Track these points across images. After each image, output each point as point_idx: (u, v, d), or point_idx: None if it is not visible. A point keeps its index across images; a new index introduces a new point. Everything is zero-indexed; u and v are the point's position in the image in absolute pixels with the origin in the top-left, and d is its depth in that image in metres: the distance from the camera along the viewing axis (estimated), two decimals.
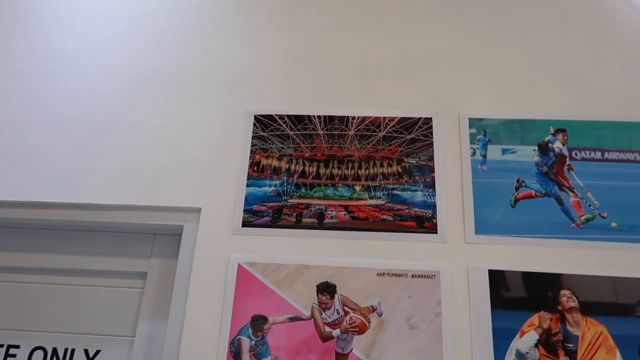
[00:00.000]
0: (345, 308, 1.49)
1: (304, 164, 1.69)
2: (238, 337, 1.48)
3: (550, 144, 1.63)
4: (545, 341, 1.39)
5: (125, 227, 1.71)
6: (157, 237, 1.72)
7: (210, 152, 1.73)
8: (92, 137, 1.78)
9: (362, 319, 1.47)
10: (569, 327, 1.41)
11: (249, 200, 1.65)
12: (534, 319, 1.42)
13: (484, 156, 1.64)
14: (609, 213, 1.53)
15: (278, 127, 1.75)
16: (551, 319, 1.41)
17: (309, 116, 1.75)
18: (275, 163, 1.70)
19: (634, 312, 1.41)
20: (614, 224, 1.51)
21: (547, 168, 1.60)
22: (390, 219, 1.59)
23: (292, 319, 1.49)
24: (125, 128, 1.79)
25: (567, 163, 1.61)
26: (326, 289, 1.51)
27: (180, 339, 1.50)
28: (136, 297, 1.66)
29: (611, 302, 1.43)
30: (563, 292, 1.44)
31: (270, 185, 1.67)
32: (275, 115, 1.76)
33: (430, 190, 1.61)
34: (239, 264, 1.56)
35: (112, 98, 1.85)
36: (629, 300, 1.42)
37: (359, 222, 1.60)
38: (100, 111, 1.83)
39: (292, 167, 1.69)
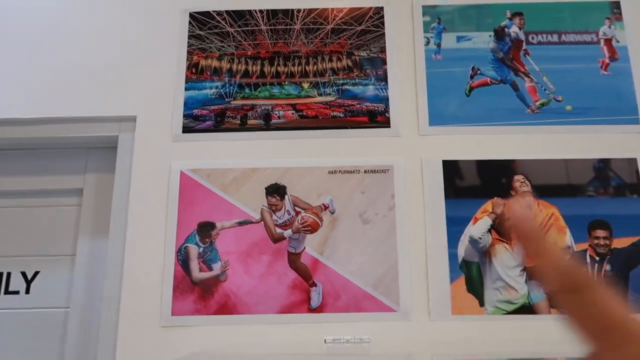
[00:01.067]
0: (297, 208, 1.43)
1: (246, 63, 1.56)
2: (185, 245, 1.41)
3: (506, 29, 1.54)
4: (499, 226, 1.38)
5: (55, 143, 1.56)
6: (90, 151, 1.58)
7: (143, 56, 1.57)
8: (9, 49, 1.59)
9: (314, 218, 1.41)
10: None
11: (188, 104, 1.52)
12: (488, 205, 1.40)
13: (438, 45, 1.54)
14: (564, 96, 1.48)
15: (216, 24, 1.59)
16: (504, 204, 1.39)
17: (249, 11, 1.59)
18: (215, 63, 1.56)
19: (584, 192, 1.40)
20: (568, 107, 1.47)
21: (503, 54, 1.52)
22: (341, 115, 1.50)
23: (241, 223, 1.43)
24: (46, 35, 1.60)
25: (523, 48, 1.53)
26: (275, 191, 1.44)
27: (123, 254, 1.41)
28: (73, 215, 1.55)
29: (563, 184, 1.41)
30: (516, 177, 1.41)
31: (211, 88, 1.54)
32: (213, 11, 1.60)
33: (383, 83, 1.52)
34: (181, 172, 1.46)
35: (30, 2, 1.63)
36: (580, 181, 1.41)
37: (308, 120, 1.50)
38: (17, 19, 1.62)
39: (234, 67, 1.56)
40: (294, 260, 1.39)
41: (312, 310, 1.35)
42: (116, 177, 1.50)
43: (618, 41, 1.51)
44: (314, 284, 1.37)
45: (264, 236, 1.41)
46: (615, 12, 1.54)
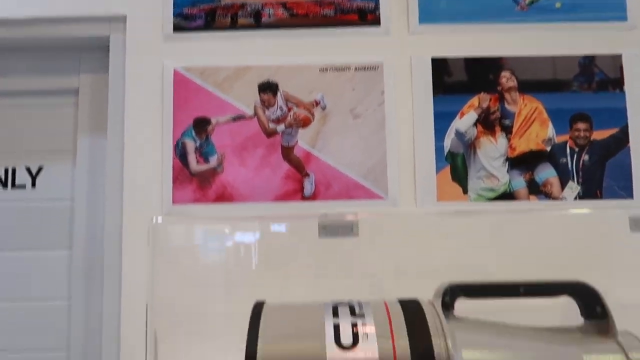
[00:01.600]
0: (289, 104, 1.47)
1: None
2: (182, 139, 1.45)
3: None
4: (484, 120, 1.43)
5: (47, 44, 1.57)
6: (83, 51, 1.59)
7: None
8: None
9: (306, 113, 1.46)
10: (506, 105, 1.44)
11: (178, 3, 1.51)
12: (474, 100, 1.44)
13: None
14: None
15: None
16: (490, 99, 1.44)
17: None
18: None
19: (569, 87, 1.45)
20: (557, 4, 1.48)
21: None
22: (332, 13, 1.51)
23: (235, 119, 1.47)
24: None
25: None
26: (268, 87, 1.47)
27: (122, 151, 1.46)
28: (71, 114, 1.58)
29: (548, 80, 1.45)
30: (503, 73, 1.45)
31: None
32: None
33: None
34: (174, 70, 1.48)
35: None
36: (565, 76, 1.45)
37: (298, 19, 1.51)
38: None
39: None
40: (287, 153, 1.45)
41: (305, 198, 1.43)
42: (110, 77, 1.51)
43: None
44: (307, 175, 1.43)
45: (258, 130, 1.46)
46: None
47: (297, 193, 1.43)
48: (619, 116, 1.42)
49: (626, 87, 1.43)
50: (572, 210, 1.38)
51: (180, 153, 1.45)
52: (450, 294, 0.89)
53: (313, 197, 1.42)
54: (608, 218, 1.37)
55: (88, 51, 1.59)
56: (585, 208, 1.38)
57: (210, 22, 1.51)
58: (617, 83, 1.44)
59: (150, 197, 1.44)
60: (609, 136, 1.41)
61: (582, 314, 0.91)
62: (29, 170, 1.57)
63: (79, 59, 1.59)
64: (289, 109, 1.46)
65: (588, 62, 1.45)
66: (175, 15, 1.51)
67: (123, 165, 1.46)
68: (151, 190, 1.44)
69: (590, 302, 0.89)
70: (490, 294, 0.91)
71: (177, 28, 1.50)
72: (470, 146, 1.43)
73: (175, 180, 1.43)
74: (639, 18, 1.46)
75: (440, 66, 1.46)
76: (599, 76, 1.44)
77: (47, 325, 1.52)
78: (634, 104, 1.42)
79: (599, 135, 1.42)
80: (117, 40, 1.53)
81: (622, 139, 1.41)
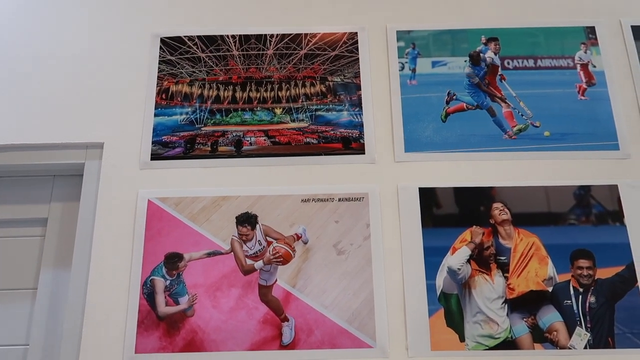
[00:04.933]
0: (268, 238, 1.37)
1: (218, 89, 1.52)
2: (151, 277, 1.33)
3: (482, 54, 1.52)
4: (478, 256, 1.32)
5: (20, 170, 1.50)
6: (56, 178, 1.52)
7: (112, 81, 1.53)
8: None
9: (286, 248, 1.35)
10: (501, 240, 1.34)
11: (157, 130, 1.47)
12: (466, 234, 1.35)
13: (413, 70, 1.52)
14: (542, 122, 1.45)
15: (187, 49, 1.56)
16: (483, 233, 1.34)
17: (222, 36, 1.57)
18: (186, 89, 1.52)
19: (565, 221, 1.36)
20: (546, 133, 1.44)
21: (479, 79, 1.50)
22: (315, 141, 1.46)
23: (210, 254, 1.36)
24: (13, 61, 1.56)
25: (499, 73, 1.51)
26: (246, 220, 1.38)
27: (86, 286, 1.34)
28: (37, 246, 1.47)
29: (543, 212, 1.37)
30: (495, 205, 1.37)
31: (181, 114, 1.49)
32: (184, 37, 1.57)
33: (357, 109, 1.48)
34: (148, 200, 1.40)
35: None
36: (561, 209, 1.37)
37: (280, 147, 1.46)
38: None
39: (205, 93, 1.52)
40: (265, 293, 1.32)
41: (283, 347, 1.28)
42: (81, 205, 1.43)
43: (594, 66, 1.50)
44: (286, 319, 1.30)
45: (234, 268, 1.34)
46: (590, 37, 1.53)
47: (275, 340, 1.28)
48: (623, 252, 1.32)
49: (626, 221, 1.34)
50: None
51: (148, 292, 1.32)
52: None
53: (293, 345, 1.27)
54: None
55: (61, 178, 1.52)
56: (597, 359, 1.23)
57: (189, 149, 1.46)
58: (617, 216, 1.35)
59: (111, 345, 1.28)
60: (614, 275, 1.30)
61: None
62: None
63: (52, 186, 1.52)
64: (268, 244, 1.36)
65: (584, 193, 1.38)
66: (154, 142, 1.46)
67: (85, 305, 1.33)
68: (113, 336, 1.29)
69: None
70: None
71: (155, 156, 1.45)
72: (465, 286, 1.31)
73: (140, 324, 1.29)
74: (632, 146, 1.42)
75: (428, 196, 1.38)
76: (596, 208, 1.37)
77: None
78: (637, 239, 1.33)
79: (603, 273, 1.31)
80: (92, 168, 1.46)
81: (629, 278, 1.29)
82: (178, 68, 1.54)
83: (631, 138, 1.42)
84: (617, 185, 1.38)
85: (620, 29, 1.54)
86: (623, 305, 1.28)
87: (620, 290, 1.29)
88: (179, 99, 1.51)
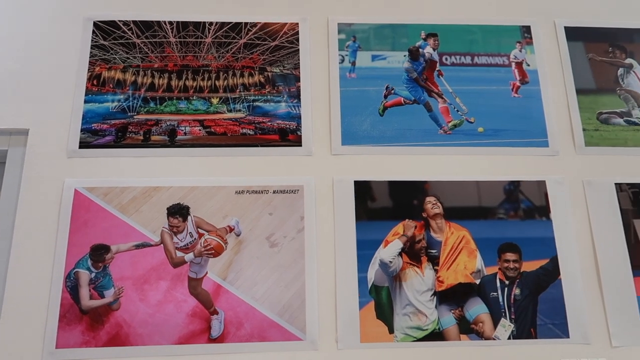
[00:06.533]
0: (200, 230, 1.34)
1: (153, 76, 1.47)
2: (75, 270, 1.28)
3: (421, 49, 1.53)
4: (409, 249, 1.34)
5: None
6: None
7: (40, 65, 1.45)
8: None
9: (218, 241, 1.33)
10: (432, 234, 1.36)
11: (87, 117, 1.41)
12: (399, 227, 1.36)
13: (353, 63, 1.51)
14: (476, 118, 1.47)
15: (122, 34, 1.50)
16: (415, 227, 1.35)
17: (159, 22, 1.52)
18: (119, 75, 1.47)
19: (495, 215, 1.39)
20: (480, 129, 1.47)
21: (417, 74, 1.51)
22: (251, 132, 1.44)
23: (138, 246, 1.32)
24: None
25: (437, 68, 1.52)
26: (178, 211, 1.35)
27: (5, 279, 1.28)
28: None
29: (474, 206, 1.39)
30: (428, 199, 1.39)
31: (113, 101, 1.44)
32: (119, 21, 1.51)
33: (295, 100, 1.47)
34: (75, 190, 1.34)
35: None
36: (491, 203, 1.40)
37: (216, 137, 1.43)
38: None
39: (140, 80, 1.47)
40: (194, 286, 1.29)
41: (212, 340, 1.25)
42: (2, 194, 1.37)
43: (529, 65, 1.54)
44: (216, 312, 1.27)
45: (163, 260, 1.31)
46: (525, 36, 1.57)
47: (203, 334, 1.25)
48: (548, 246, 1.36)
49: (552, 215, 1.39)
50: (505, 352, 1.27)
51: (72, 285, 1.27)
52: None
53: (221, 338, 1.25)
54: None
55: None
56: (520, 349, 1.27)
57: (120, 138, 1.41)
58: (544, 211, 1.39)
59: (30, 339, 1.23)
60: (539, 267, 1.34)
61: None
62: None
63: None
64: (200, 236, 1.34)
65: (513, 189, 1.41)
66: (83, 130, 1.40)
67: (3, 298, 1.27)
68: (33, 330, 1.23)
69: None
70: None
71: (83, 144, 1.39)
72: (396, 278, 1.32)
73: (62, 318, 1.24)
74: (560, 144, 1.46)
75: (363, 190, 1.38)
76: (525, 203, 1.40)
77: None
78: (562, 234, 1.37)
79: (528, 266, 1.34)
80: (15, 155, 1.40)
81: (552, 271, 1.34)
82: (111, 54, 1.48)
83: (560, 136, 1.47)
84: (545, 181, 1.42)
85: (554, 29, 1.58)
86: (546, 297, 1.32)
87: (544, 282, 1.33)
88: (111, 85, 1.45)
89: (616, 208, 1.40)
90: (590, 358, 1.26)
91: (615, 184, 1.42)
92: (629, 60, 1.56)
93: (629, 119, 1.51)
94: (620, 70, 1.56)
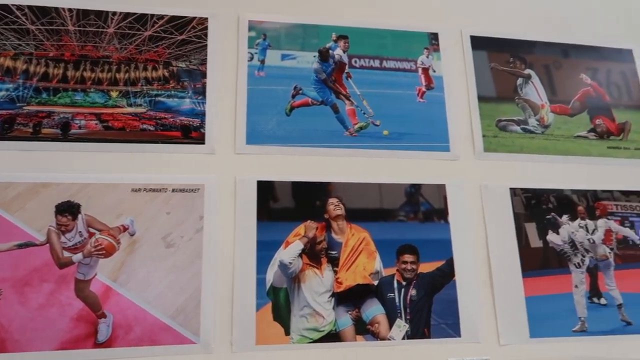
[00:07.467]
0: (91, 229, 1.27)
1: (47, 65, 1.39)
2: None
3: (331, 51, 1.54)
4: (310, 250, 1.33)
5: None
6: None
7: None
8: None
9: (110, 240, 1.27)
10: (333, 235, 1.37)
11: None
12: (300, 228, 1.35)
13: (262, 62, 1.50)
14: (382, 121, 1.50)
15: (15, 19, 1.40)
16: (317, 228, 1.35)
17: (57, 8, 1.43)
18: (9, 63, 1.37)
19: (395, 217, 1.42)
20: (385, 132, 1.49)
21: (326, 75, 1.51)
22: (152, 128, 1.39)
23: (21, 246, 1.24)
24: None
25: (346, 71, 1.53)
26: (67, 209, 1.27)
27: None
28: None
29: (376, 208, 1.41)
30: (331, 200, 1.39)
31: (1, 90, 1.35)
32: (12, 5, 1.41)
33: (200, 97, 1.43)
34: None
35: None
36: (392, 205, 1.42)
37: (113, 132, 1.36)
38: None
39: (32, 69, 1.38)
40: (82, 288, 1.23)
41: (98, 345, 1.19)
42: None
43: (435, 71, 1.58)
44: (104, 315, 1.22)
45: (48, 261, 1.23)
46: (433, 43, 1.61)
47: (89, 338, 1.19)
48: (445, 248, 1.40)
49: (450, 218, 1.43)
50: (399, 352, 1.29)
51: None
52: None
53: (109, 343, 1.20)
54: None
55: None
56: (413, 349, 1.30)
57: (7, 130, 1.31)
58: (442, 213, 1.44)
59: None
60: (435, 269, 1.38)
61: None
62: None
63: None
64: (91, 235, 1.27)
65: (414, 191, 1.45)
66: None
67: None
68: None
69: None
70: None
71: None
72: (295, 279, 1.31)
73: None
74: (461, 149, 1.51)
75: (266, 190, 1.37)
76: (424, 206, 1.44)
77: None
78: (458, 236, 1.42)
79: (426, 268, 1.38)
80: None
81: (448, 273, 1.38)
82: (2, 39, 1.38)
83: (461, 141, 1.52)
84: (445, 184, 1.46)
85: (460, 38, 1.64)
86: (440, 297, 1.36)
87: (439, 283, 1.37)
88: None
89: (510, 212, 1.47)
90: (476, 356, 1.32)
91: (510, 188, 1.49)
92: (527, 71, 1.65)
93: (526, 126, 1.59)
94: (520, 80, 1.64)
